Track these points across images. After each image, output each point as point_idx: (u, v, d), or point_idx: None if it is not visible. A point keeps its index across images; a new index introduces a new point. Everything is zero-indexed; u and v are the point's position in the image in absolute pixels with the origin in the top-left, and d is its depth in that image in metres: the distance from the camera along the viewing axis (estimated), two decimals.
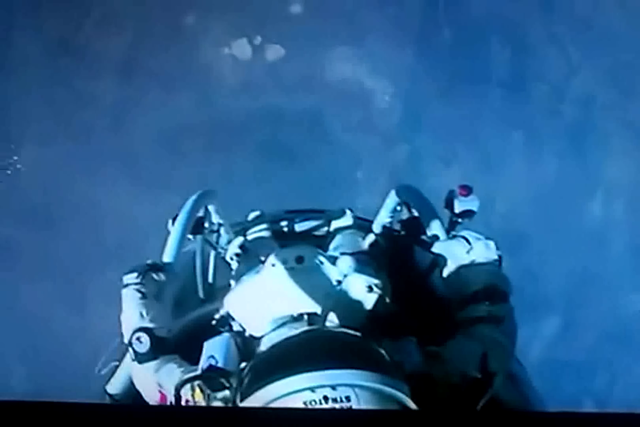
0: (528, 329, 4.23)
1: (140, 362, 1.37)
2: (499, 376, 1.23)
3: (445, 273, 1.48)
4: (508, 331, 1.34)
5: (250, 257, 1.79)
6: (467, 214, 1.78)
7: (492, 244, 1.47)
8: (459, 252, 1.46)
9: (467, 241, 1.47)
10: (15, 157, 4.72)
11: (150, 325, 1.41)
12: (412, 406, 0.96)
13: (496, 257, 1.45)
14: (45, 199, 4.48)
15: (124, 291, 1.50)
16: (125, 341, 1.42)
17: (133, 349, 1.37)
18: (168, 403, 1.26)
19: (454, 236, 1.56)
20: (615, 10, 5.13)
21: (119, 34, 4.96)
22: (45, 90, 4.74)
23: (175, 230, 1.77)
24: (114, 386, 1.62)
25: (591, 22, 5.08)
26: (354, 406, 0.91)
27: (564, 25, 5.12)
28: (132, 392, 1.48)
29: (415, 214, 1.87)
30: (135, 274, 1.50)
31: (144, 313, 1.43)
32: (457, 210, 1.76)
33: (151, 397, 1.35)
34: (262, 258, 1.51)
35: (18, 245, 4.34)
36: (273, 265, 1.42)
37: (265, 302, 1.39)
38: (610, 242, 4.70)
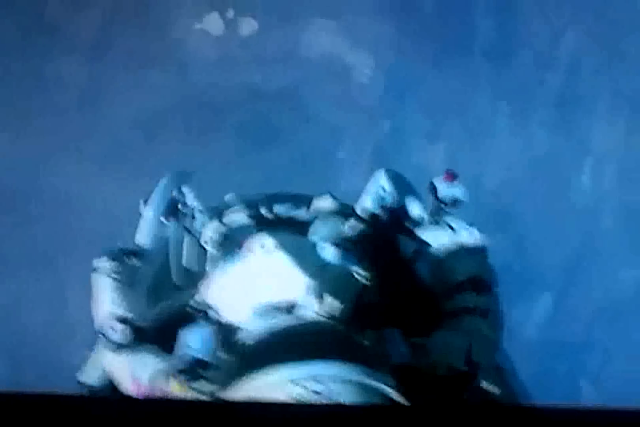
0: (520, 308, 4.24)
1: (113, 351, 1.34)
2: (484, 368, 1.23)
3: (429, 261, 1.47)
4: (494, 323, 1.36)
5: (228, 242, 1.74)
6: (455, 203, 1.76)
7: (476, 231, 1.46)
8: (443, 240, 1.46)
9: (451, 228, 1.47)
10: None
11: (124, 312, 1.38)
12: (397, 398, 0.95)
13: (481, 245, 1.44)
14: (14, 187, 4.34)
15: (96, 276, 1.45)
16: (97, 328, 1.38)
17: (106, 337, 1.33)
18: (142, 393, 1.23)
19: (438, 223, 1.55)
20: None
21: (88, 11, 4.78)
22: (11, 71, 4.56)
23: (148, 212, 1.73)
24: (87, 375, 1.58)
25: None
26: (337, 399, 0.90)
27: None
28: (105, 381, 1.45)
29: (399, 199, 1.84)
30: (108, 259, 1.46)
31: (117, 299, 1.40)
32: (440, 195, 1.74)
33: (125, 386, 1.32)
34: (240, 243, 1.47)
35: None
36: (252, 251, 1.38)
37: (244, 289, 1.37)
38: (602, 216, 4.68)
